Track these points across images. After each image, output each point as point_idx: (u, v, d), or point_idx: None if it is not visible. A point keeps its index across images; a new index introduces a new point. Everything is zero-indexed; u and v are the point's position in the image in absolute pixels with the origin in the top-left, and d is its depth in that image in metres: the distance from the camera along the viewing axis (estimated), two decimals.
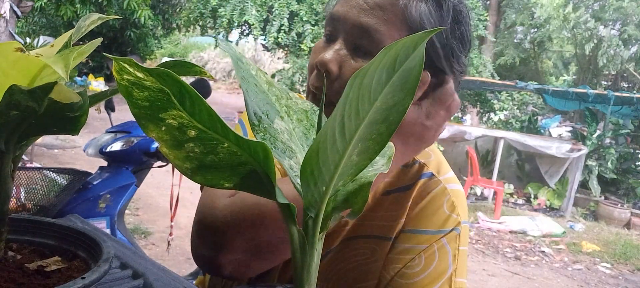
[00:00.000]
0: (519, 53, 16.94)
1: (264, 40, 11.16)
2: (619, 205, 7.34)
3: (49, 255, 0.49)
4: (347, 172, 0.36)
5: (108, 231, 2.25)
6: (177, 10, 13.63)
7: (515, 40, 17.28)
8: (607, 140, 8.22)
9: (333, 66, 0.69)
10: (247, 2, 10.06)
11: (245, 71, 0.45)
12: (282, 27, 9.93)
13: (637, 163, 8.15)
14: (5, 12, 4.77)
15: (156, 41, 16.04)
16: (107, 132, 2.45)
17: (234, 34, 11.87)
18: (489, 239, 5.46)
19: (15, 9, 4.93)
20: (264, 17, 10.16)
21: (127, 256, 0.73)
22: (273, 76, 10.95)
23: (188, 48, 22.51)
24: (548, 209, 7.20)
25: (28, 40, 7.20)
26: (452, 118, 0.78)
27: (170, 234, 2.70)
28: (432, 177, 0.80)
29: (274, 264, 0.71)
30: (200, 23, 11.23)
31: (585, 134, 8.26)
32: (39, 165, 4.11)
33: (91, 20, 0.49)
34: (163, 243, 3.49)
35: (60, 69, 0.36)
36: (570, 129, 10.96)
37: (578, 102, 8.80)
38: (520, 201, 7.50)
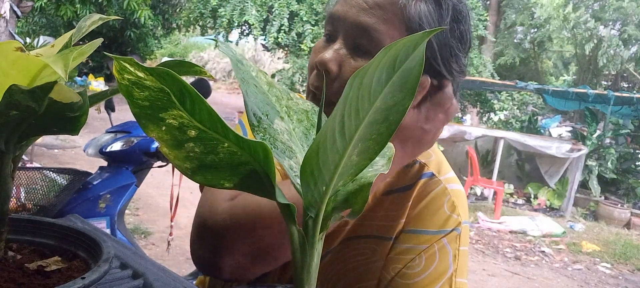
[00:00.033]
0: (519, 53, 16.95)
1: (264, 40, 11.16)
2: (619, 205, 7.34)
3: (49, 255, 0.49)
4: (347, 172, 0.36)
5: (108, 231, 2.25)
6: (177, 10, 13.63)
7: (515, 40, 17.28)
8: (607, 140, 8.22)
9: (333, 65, 0.69)
10: (247, 2, 10.06)
11: (245, 72, 0.45)
12: (282, 27, 9.93)
13: (637, 163, 8.15)
14: (5, 12, 4.77)
15: (156, 41, 16.04)
16: (107, 132, 2.45)
17: (234, 34, 11.88)
18: (489, 239, 5.46)
19: (15, 9, 4.93)
20: (264, 17, 10.17)
21: (127, 256, 0.73)
22: (273, 76, 10.95)
23: (188, 48, 22.51)
24: (548, 209, 7.20)
25: (28, 40, 7.20)
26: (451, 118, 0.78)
27: (170, 234, 2.70)
28: (433, 177, 0.80)
29: (274, 267, 0.71)
30: (200, 23, 11.24)
31: (585, 134, 8.26)
32: (39, 165, 4.11)
33: (92, 20, 0.49)
34: (163, 243, 3.49)
35: (60, 69, 0.36)
36: (570, 128, 10.96)
37: (578, 102, 8.81)
38: (520, 201, 7.50)
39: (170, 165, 2.21)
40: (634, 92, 12.19)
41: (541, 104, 11.95)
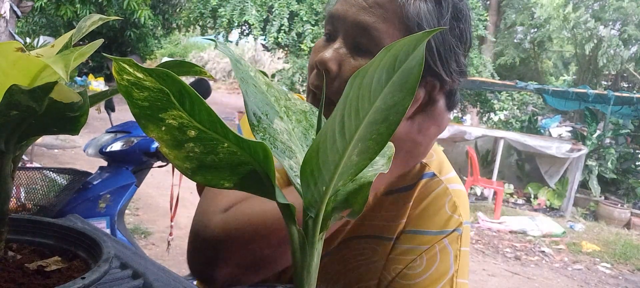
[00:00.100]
0: (519, 53, 16.95)
1: (264, 40, 11.17)
2: (619, 205, 7.34)
3: (49, 255, 0.49)
4: (347, 172, 0.36)
5: (108, 231, 2.25)
6: (177, 10, 13.64)
7: (515, 40, 17.28)
8: (607, 140, 8.22)
9: (332, 65, 0.69)
10: (247, 2, 10.06)
11: (244, 72, 0.45)
12: (282, 27, 9.93)
13: (637, 163, 8.15)
14: (5, 12, 4.77)
15: (156, 41, 16.05)
16: (107, 132, 2.45)
17: (234, 34, 11.88)
18: (489, 239, 5.46)
19: (15, 9, 4.94)
20: (264, 17, 10.17)
21: (127, 256, 0.73)
22: (273, 76, 10.96)
23: (188, 48, 22.52)
24: (548, 209, 7.20)
25: (28, 40, 7.20)
26: (452, 118, 0.78)
27: (170, 234, 2.71)
28: (434, 177, 0.80)
29: (269, 275, 0.72)
30: (200, 23, 11.25)
31: (585, 133, 8.26)
32: (39, 165, 4.12)
33: (92, 21, 0.49)
34: (163, 243, 3.49)
35: (61, 69, 0.36)
36: (570, 129, 10.96)
37: (578, 102, 8.81)
38: (520, 201, 7.51)
39: (170, 165, 2.21)
40: (634, 92, 12.19)
41: (541, 104, 11.96)
